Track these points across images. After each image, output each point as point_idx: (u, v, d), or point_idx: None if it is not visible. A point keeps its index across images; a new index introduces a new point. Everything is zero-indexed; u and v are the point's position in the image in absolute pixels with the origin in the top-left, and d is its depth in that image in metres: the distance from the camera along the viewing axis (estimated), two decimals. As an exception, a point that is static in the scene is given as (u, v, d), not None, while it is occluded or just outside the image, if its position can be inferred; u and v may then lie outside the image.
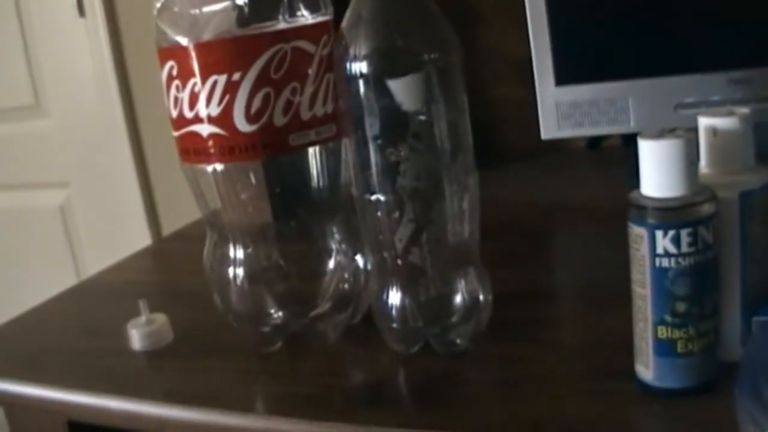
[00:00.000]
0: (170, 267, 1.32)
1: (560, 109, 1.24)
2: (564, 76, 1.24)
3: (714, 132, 0.70)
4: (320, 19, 0.84)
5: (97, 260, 1.32)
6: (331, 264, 0.89)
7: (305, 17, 0.83)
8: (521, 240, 1.17)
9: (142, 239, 2.02)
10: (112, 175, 2.08)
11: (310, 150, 0.85)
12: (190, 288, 0.94)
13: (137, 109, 1.99)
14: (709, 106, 1.11)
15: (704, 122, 0.71)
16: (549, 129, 1.25)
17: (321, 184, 0.87)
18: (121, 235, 2.08)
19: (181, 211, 1.39)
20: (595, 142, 1.53)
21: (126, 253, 1.36)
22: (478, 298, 0.83)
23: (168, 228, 2.02)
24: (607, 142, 1.49)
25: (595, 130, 1.23)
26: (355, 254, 0.90)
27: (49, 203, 2.23)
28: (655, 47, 1.21)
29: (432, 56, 0.76)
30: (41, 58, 2.08)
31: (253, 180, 0.85)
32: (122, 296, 1.14)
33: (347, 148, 0.82)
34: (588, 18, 1.24)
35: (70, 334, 1.08)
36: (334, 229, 0.89)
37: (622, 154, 1.19)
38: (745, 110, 0.71)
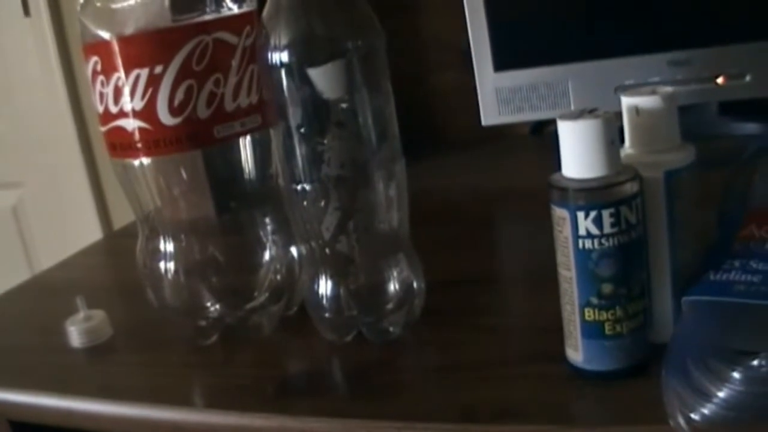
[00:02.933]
0: (115, 263, 1.32)
1: (500, 95, 1.24)
2: (502, 62, 1.24)
3: (636, 111, 0.70)
4: (243, 9, 0.83)
5: (51, 260, 1.32)
6: (266, 256, 0.89)
7: (231, 9, 0.82)
8: (460, 227, 1.16)
9: (95, 237, 2.00)
10: (63, 174, 2.07)
11: (239, 142, 0.84)
12: (132, 283, 0.93)
13: (85, 108, 1.99)
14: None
15: (627, 101, 0.71)
16: (489, 115, 1.25)
17: (251, 175, 0.87)
18: (73, 234, 2.06)
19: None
20: (537, 128, 1.53)
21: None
22: (410, 286, 0.83)
23: (119, 225, 2.01)
24: (549, 128, 1.48)
25: (535, 115, 1.23)
26: (289, 245, 0.89)
27: (2, 204, 2.21)
28: (593, 30, 1.21)
29: (353, 43, 0.76)
30: (-14, 58, 2.06)
31: (183, 174, 0.84)
32: (65, 293, 1.13)
33: (275, 138, 0.81)
34: (525, 2, 1.24)
35: (11, 332, 1.07)
36: (267, 221, 0.89)
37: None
38: (668, 89, 0.70)
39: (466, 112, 1.33)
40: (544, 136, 1.51)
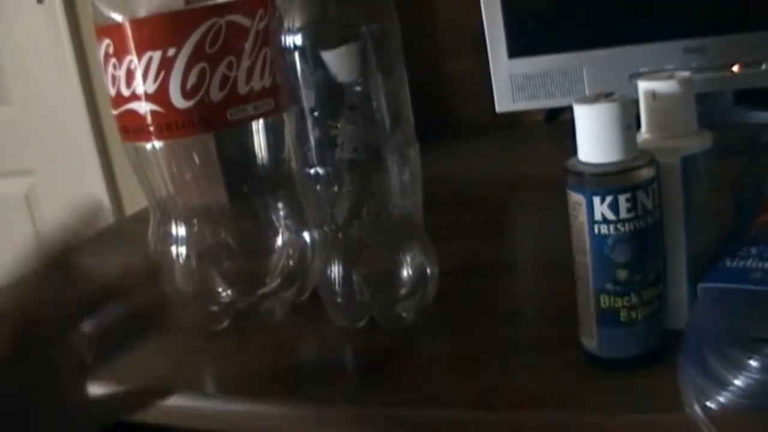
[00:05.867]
0: (127, 249, 1.31)
1: (514, 82, 1.24)
2: (517, 49, 1.23)
3: (653, 96, 0.69)
4: (256, -8, 0.83)
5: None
6: (278, 241, 0.88)
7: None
8: (474, 213, 1.16)
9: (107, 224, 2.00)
10: (75, 162, 2.06)
11: (252, 125, 0.84)
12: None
13: (97, 95, 1.98)
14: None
15: (643, 86, 0.70)
16: (503, 102, 1.25)
17: (263, 160, 0.86)
18: (86, 221, 2.06)
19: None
20: (552, 115, 1.52)
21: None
22: (424, 271, 0.83)
23: (131, 212, 2.01)
24: (564, 116, 1.48)
25: (549, 102, 1.23)
26: (302, 230, 0.89)
27: (14, 192, 2.20)
28: (608, 17, 1.21)
29: (367, 26, 0.75)
30: (0, 46, 2.05)
31: (195, 158, 0.84)
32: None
33: (288, 122, 0.81)
34: (540, -11, 1.24)
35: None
36: (279, 206, 0.88)
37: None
38: (685, 73, 0.70)
39: (481, 99, 1.32)
40: (559, 123, 1.50)
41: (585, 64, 1.20)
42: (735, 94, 1.30)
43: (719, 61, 1.15)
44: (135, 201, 1.88)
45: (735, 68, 1.16)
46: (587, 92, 1.18)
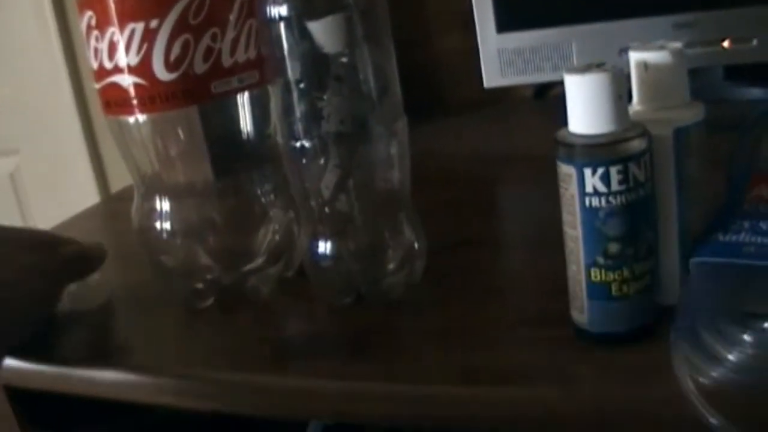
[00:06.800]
0: (112, 226, 1.31)
1: (503, 57, 1.23)
2: (505, 23, 1.22)
3: (645, 66, 0.68)
4: (241, -39, 0.82)
5: (49, 227, 1.31)
6: (264, 217, 0.87)
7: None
8: (462, 189, 1.15)
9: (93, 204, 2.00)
10: (60, 140, 2.05)
11: (237, 99, 0.83)
12: (128, 246, 0.92)
13: (82, 73, 1.97)
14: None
15: (635, 56, 0.69)
16: (492, 77, 1.24)
17: (249, 134, 0.85)
18: (71, 201, 2.04)
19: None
20: (541, 91, 1.52)
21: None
22: (411, 246, 0.82)
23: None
24: (553, 92, 1.47)
25: (538, 77, 1.22)
26: (288, 206, 0.88)
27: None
28: (598, -9, 1.20)
29: (354, -4, 0.74)
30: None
31: (179, 132, 0.83)
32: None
33: (273, 95, 0.80)
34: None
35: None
36: (265, 180, 0.87)
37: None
38: (677, 44, 0.69)
39: (469, 74, 1.32)
40: (548, 99, 1.50)
41: (574, 39, 1.19)
42: (725, 70, 1.29)
43: (710, 36, 1.14)
44: (120, 181, 1.88)
45: (726, 44, 1.15)
46: (577, 66, 1.17)
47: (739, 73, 1.28)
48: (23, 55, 2.03)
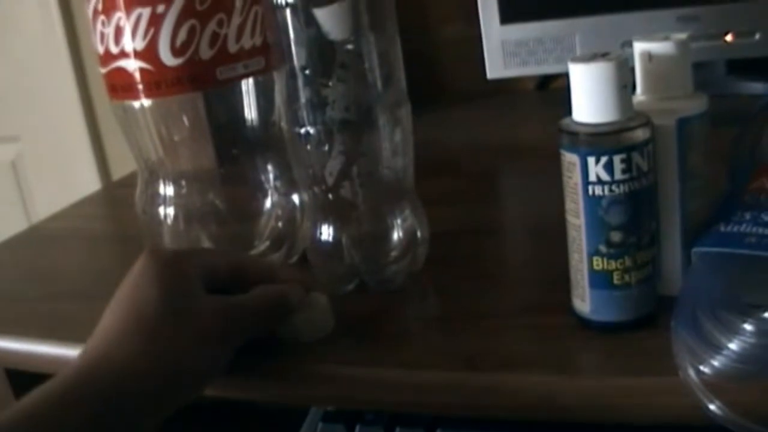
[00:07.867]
0: (114, 213, 1.31)
1: (506, 48, 1.23)
2: (509, 14, 1.23)
3: (649, 57, 0.69)
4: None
5: (49, 214, 1.31)
6: (267, 203, 0.88)
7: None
8: (464, 179, 1.15)
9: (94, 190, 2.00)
10: (62, 127, 2.05)
11: (242, 85, 0.83)
12: (130, 232, 0.92)
13: (84, 59, 1.97)
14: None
15: (639, 47, 0.69)
16: (495, 68, 1.25)
17: (253, 121, 0.85)
18: (73, 188, 2.04)
19: (132, 162, 1.38)
20: (544, 82, 1.52)
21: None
22: (414, 234, 0.82)
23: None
24: (555, 83, 1.47)
25: (541, 68, 1.22)
26: (291, 192, 0.88)
27: (1, 159, 2.19)
28: (601, -16, 1.20)
29: (359, -16, 0.74)
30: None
31: (184, 118, 0.83)
32: (63, 242, 1.13)
33: (278, 82, 0.80)
34: (533, -46, 1.23)
35: (8, 281, 1.06)
36: (269, 168, 0.87)
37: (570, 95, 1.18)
38: (682, 35, 0.69)
39: (472, 65, 1.32)
40: (550, 91, 1.50)
41: (577, 31, 1.19)
42: (728, 64, 1.30)
43: (713, 30, 1.15)
44: (122, 168, 1.88)
45: (729, 37, 1.15)
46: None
47: (741, 67, 1.28)
48: (25, 42, 2.02)
